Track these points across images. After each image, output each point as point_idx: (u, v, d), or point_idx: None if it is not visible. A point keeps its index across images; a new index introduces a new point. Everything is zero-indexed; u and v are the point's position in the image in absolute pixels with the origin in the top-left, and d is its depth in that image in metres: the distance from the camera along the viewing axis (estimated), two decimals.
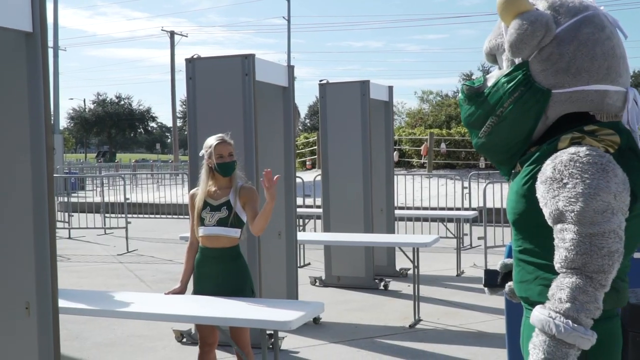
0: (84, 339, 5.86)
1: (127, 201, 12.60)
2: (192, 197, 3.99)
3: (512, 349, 3.98)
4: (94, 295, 4.23)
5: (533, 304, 1.90)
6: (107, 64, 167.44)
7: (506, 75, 1.98)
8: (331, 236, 7.44)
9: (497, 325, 6.01)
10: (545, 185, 1.82)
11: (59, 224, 13.11)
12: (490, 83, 2.03)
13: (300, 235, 7.00)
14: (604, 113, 1.94)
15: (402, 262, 8.31)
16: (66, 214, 13.92)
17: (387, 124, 8.68)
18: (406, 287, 7.76)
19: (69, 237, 12.86)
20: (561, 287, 1.77)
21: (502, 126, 1.98)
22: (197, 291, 3.96)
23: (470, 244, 10.73)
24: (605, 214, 1.74)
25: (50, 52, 24.13)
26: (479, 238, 9.32)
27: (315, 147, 26.32)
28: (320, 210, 8.25)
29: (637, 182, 1.83)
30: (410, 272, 7.99)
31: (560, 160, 1.80)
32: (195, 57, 5.51)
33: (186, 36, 46.68)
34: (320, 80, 7.84)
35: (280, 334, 5.26)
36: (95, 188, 21.24)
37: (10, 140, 3.41)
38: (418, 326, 6.17)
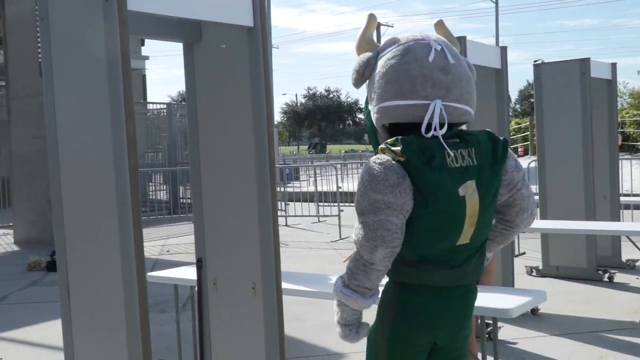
0: (303, 320, 6.12)
1: (339, 190, 12.98)
2: None
3: None
4: (313, 278, 4.38)
5: None
6: (316, 59, 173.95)
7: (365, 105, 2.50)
8: (550, 224, 7.06)
9: None
10: None
11: None
12: None
13: None
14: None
15: (629, 252, 7.69)
16: (283, 202, 14.68)
17: (610, 104, 8.06)
18: (635, 280, 7.17)
19: (286, 225, 13.53)
20: (351, 259, 2.28)
21: (370, 138, 2.51)
22: None
23: None
24: (372, 207, 2.19)
25: None
26: None
27: (527, 132, 25.29)
28: (536, 197, 7.87)
29: (421, 185, 2.17)
30: (639, 263, 7.39)
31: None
32: None
33: (392, 26, 47.02)
34: (535, 61, 7.47)
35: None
36: (308, 178, 22.17)
37: (235, 132, 3.62)
38: None
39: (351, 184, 19.04)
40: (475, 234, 2.29)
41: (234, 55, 3.55)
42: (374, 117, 2.34)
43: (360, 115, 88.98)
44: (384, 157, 2.21)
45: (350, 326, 2.30)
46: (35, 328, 6.36)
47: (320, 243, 11.13)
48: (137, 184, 2.87)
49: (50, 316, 6.77)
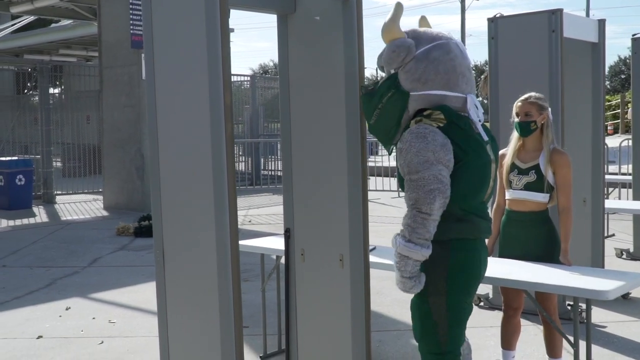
0: (384, 295, 6.13)
1: None
2: (501, 158, 3.91)
3: None
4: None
5: None
6: None
7: (384, 81, 2.84)
8: None
9: None
10: (397, 154, 2.77)
11: None
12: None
13: (608, 203, 6.50)
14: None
15: None
16: None
17: None
18: None
19: None
20: (405, 217, 2.72)
21: (381, 115, 2.85)
22: (503, 254, 3.88)
23: None
24: (425, 164, 2.62)
25: None
26: None
27: (618, 110, 24.35)
28: (627, 177, 7.58)
29: (460, 143, 2.69)
30: None
31: (403, 135, 2.75)
32: (498, 16, 5.36)
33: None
34: (634, 35, 7.15)
35: (583, 306, 4.96)
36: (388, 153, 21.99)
37: (327, 104, 3.61)
38: None
39: None
40: (491, 192, 2.86)
41: (328, 27, 3.54)
42: (415, 100, 2.77)
43: None
44: (426, 125, 2.69)
45: (414, 277, 2.71)
46: (125, 291, 6.62)
47: (399, 218, 11.03)
48: (233, 153, 2.92)
49: (138, 280, 7.04)
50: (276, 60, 3.95)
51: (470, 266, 2.79)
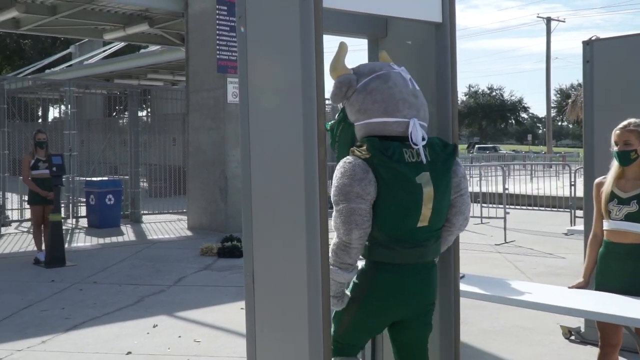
0: (469, 324, 5.98)
1: (506, 191, 12.58)
2: (598, 186, 3.76)
3: None
4: (486, 281, 4.25)
5: None
6: (479, 56, 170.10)
7: (337, 115, 3.11)
8: None
9: None
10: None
11: None
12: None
13: None
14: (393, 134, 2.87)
15: None
16: None
17: None
18: None
19: None
20: (333, 243, 2.85)
21: (339, 147, 3.10)
22: (600, 287, 3.71)
23: None
24: (344, 197, 2.77)
25: None
26: None
27: None
28: None
29: (383, 174, 2.76)
30: None
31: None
32: (593, 38, 5.20)
33: (563, 21, 44.96)
34: None
35: None
36: (471, 178, 21.69)
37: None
38: None
39: (514, 186, 18.42)
40: (432, 218, 2.86)
41: (420, 52, 3.51)
42: (359, 130, 2.92)
43: (524, 114, 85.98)
44: (351, 157, 2.81)
45: (337, 297, 2.93)
46: (208, 310, 6.71)
47: (483, 245, 10.84)
48: (325, 177, 2.90)
49: (222, 300, 7.13)
50: None
51: (391, 291, 2.90)
